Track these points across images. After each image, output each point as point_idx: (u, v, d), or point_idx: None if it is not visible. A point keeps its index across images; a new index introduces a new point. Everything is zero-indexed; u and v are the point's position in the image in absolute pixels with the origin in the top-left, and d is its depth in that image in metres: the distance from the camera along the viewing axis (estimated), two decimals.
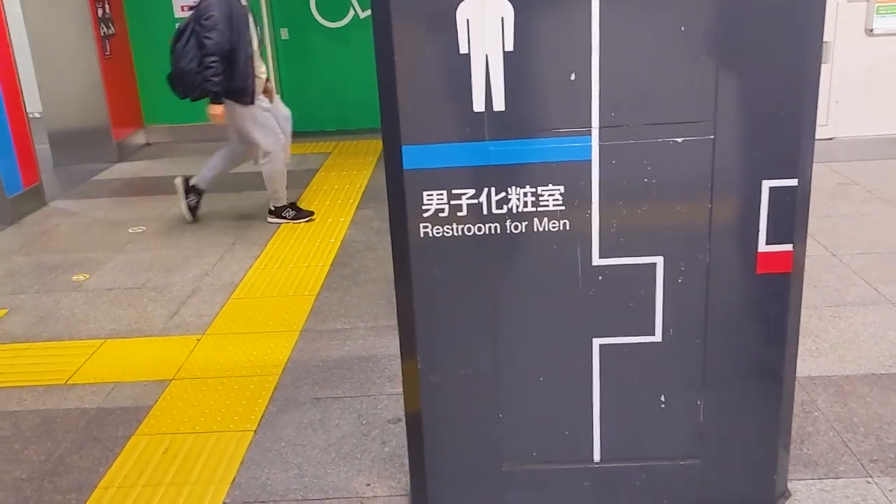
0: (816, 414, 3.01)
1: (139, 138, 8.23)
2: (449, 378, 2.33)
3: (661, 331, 2.26)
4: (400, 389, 2.49)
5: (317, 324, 4.01)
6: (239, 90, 5.09)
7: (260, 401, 3.32)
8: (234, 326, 4.05)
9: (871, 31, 6.52)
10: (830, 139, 6.66)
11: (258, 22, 5.30)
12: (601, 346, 2.28)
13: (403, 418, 2.50)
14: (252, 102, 5.17)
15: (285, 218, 5.53)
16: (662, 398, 2.33)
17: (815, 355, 3.43)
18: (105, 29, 7.63)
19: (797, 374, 2.40)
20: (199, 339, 3.90)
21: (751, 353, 2.30)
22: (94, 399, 3.40)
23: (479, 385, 2.32)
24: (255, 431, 3.12)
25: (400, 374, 2.44)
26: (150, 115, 8.37)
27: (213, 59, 4.91)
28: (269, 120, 5.32)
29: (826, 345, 3.52)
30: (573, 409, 2.35)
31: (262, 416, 3.21)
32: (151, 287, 4.59)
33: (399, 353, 2.36)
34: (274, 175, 5.45)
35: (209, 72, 4.93)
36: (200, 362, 3.68)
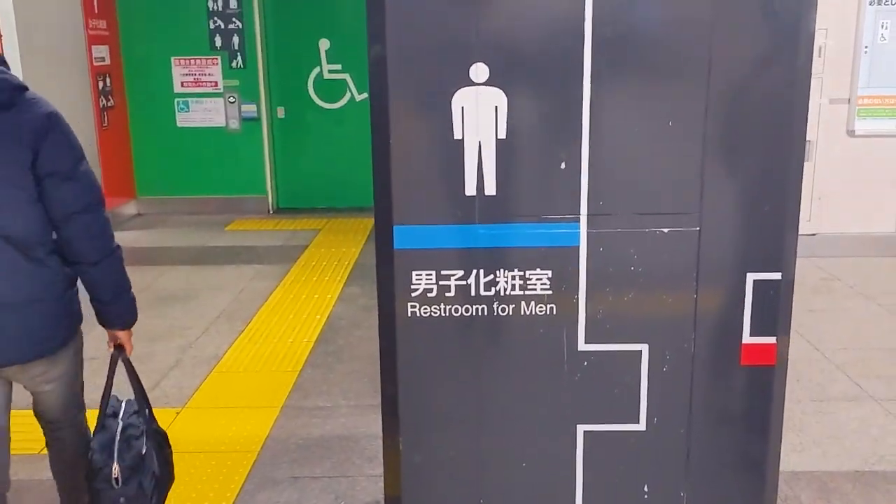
0: None
1: (131, 209, 8.28)
2: (431, 460, 2.30)
3: (645, 419, 2.25)
4: (380, 471, 2.45)
5: (298, 400, 3.97)
6: None
7: (237, 478, 3.26)
8: (214, 400, 4.00)
9: (853, 132, 6.71)
10: (813, 235, 6.77)
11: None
12: (585, 432, 2.26)
13: (382, 501, 2.45)
14: None
15: None
16: (646, 488, 2.30)
17: (799, 450, 3.41)
18: (105, 101, 7.77)
19: (780, 469, 2.39)
20: (178, 413, 3.84)
21: (734, 446, 2.29)
22: None
23: (462, 468, 2.29)
24: None
25: (380, 455, 2.40)
26: (143, 186, 8.46)
27: None
28: None
29: (809, 440, 3.51)
30: (555, 496, 2.32)
31: (237, 494, 3.15)
32: (133, 357, 4.53)
33: (381, 433, 2.34)
34: None
35: None
36: (178, 436, 3.61)
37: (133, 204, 8.34)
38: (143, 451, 2.53)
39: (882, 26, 6.51)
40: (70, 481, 2.62)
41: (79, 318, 2.49)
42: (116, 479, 2.47)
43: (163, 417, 3.76)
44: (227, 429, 3.68)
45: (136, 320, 2.56)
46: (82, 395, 2.62)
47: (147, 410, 2.63)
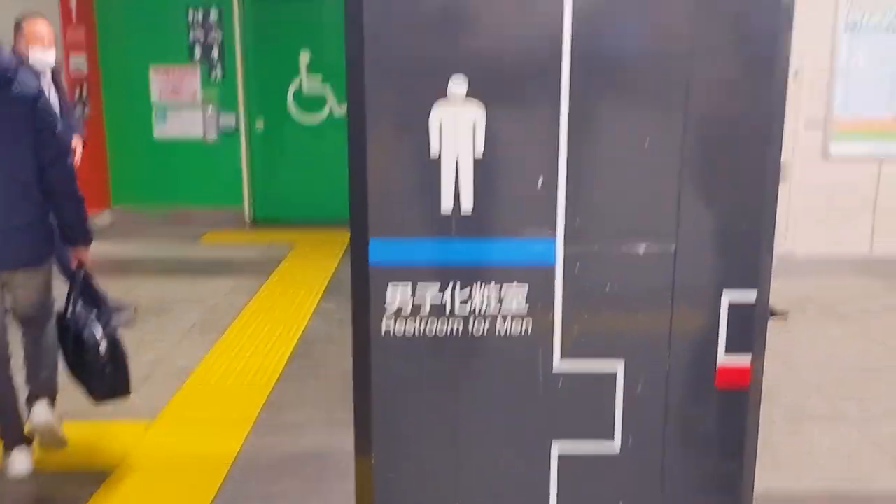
0: None
1: (105, 218, 8.19)
2: (404, 477, 2.27)
3: (619, 438, 2.24)
4: (352, 488, 2.42)
5: (271, 416, 3.92)
6: None
7: (206, 495, 3.20)
8: (185, 414, 3.94)
9: (828, 155, 6.79)
10: (788, 256, 6.83)
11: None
12: (560, 451, 2.25)
13: None
14: None
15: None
16: None
17: (773, 470, 3.41)
18: (81, 109, 7.69)
19: (755, 489, 2.38)
20: (147, 427, 3.78)
21: (709, 467, 2.28)
22: (29, 489, 3.25)
23: (436, 486, 2.27)
24: None
25: (353, 471, 2.37)
26: (118, 196, 8.38)
27: None
28: None
29: (784, 459, 3.51)
30: None
31: None
32: None
33: (353, 450, 2.31)
34: None
35: None
36: (148, 450, 3.56)
37: (108, 213, 8.25)
38: (118, 332, 3.38)
39: (856, 50, 6.61)
40: (42, 371, 3.40)
41: (53, 248, 3.34)
42: (104, 350, 3.28)
43: (132, 431, 3.71)
44: (197, 444, 3.62)
45: (92, 240, 3.41)
46: (52, 307, 3.41)
47: (106, 307, 3.44)
